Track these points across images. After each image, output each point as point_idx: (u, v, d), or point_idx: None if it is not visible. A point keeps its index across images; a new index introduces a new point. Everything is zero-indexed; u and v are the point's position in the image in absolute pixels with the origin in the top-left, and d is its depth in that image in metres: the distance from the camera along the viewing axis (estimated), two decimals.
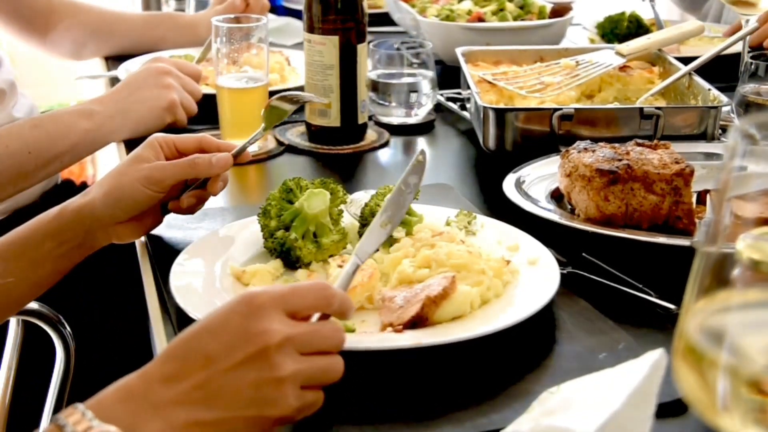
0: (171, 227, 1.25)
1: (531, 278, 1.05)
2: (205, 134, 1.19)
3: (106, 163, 3.27)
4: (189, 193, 1.16)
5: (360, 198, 1.20)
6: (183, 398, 0.74)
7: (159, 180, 1.11)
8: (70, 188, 1.91)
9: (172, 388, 0.74)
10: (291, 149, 1.60)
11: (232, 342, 0.76)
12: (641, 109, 1.46)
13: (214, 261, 1.10)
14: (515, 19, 2.10)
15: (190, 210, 1.18)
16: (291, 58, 1.99)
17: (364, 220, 1.14)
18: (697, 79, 1.57)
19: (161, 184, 1.11)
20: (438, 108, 1.76)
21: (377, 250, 0.94)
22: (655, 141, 1.26)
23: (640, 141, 1.26)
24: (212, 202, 1.36)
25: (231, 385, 0.75)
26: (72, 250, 1.11)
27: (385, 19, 2.36)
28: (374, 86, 1.69)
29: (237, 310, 0.78)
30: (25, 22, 2.06)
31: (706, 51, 1.66)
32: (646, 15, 2.19)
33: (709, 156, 1.40)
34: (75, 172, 3.11)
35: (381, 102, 1.70)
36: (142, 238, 1.23)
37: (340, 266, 1.04)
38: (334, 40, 1.54)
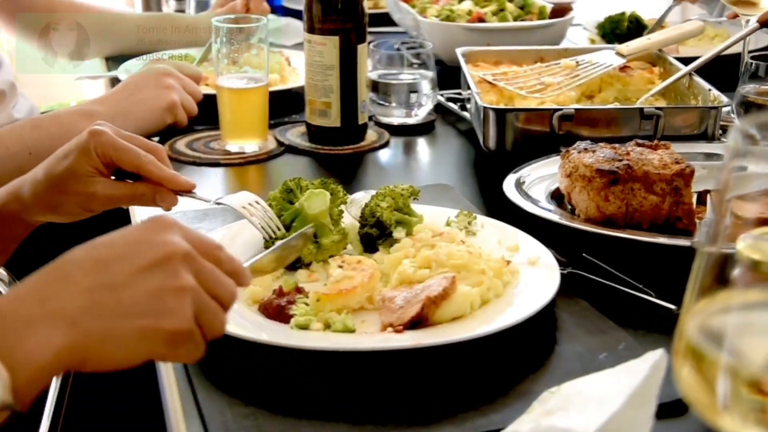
0: None
1: (531, 278, 1.05)
2: (148, 156, 1.09)
3: None
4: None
5: (360, 198, 1.20)
6: (65, 307, 0.69)
7: (105, 207, 1.09)
8: None
9: (51, 300, 0.69)
10: (291, 149, 1.60)
11: (134, 249, 0.74)
12: (641, 109, 1.46)
13: None
14: (515, 19, 2.10)
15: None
16: (291, 59, 1.99)
17: (365, 221, 1.14)
18: (698, 79, 1.57)
19: (97, 208, 1.09)
20: (438, 108, 1.76)
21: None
22: (656, 141, 1.26)
23: (640, 141, 1.26)
24: None
25: (127, 291, 0.71)
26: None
27: (385, 19, 2.36)
28: (374, 86, 1.69)
29: (140, 225, 0.77)
30: (26, 21, 2.06)
31: (705, 51, 1.65)
32: (646, 15, 2.19)
33: (709, 156, 1.40)
34: None
35: (381, 102, 1.70)
36: None
37: (341, 266, 1.04)
38: (335, 40, 1.54)
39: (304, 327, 0.96)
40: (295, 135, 1.65)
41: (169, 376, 0.94)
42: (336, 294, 0.99)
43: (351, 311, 0.99)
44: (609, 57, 1.70)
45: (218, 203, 1.14)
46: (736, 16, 1.99)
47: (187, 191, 1.11)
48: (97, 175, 1.07)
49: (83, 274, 0.72)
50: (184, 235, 0.77)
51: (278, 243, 1.00)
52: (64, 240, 1.13)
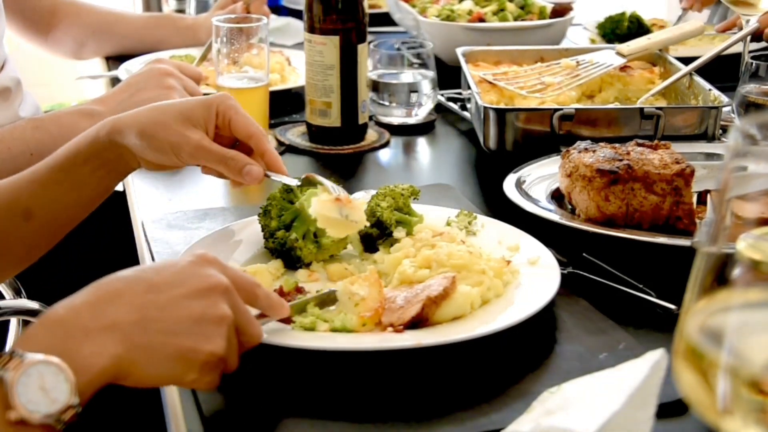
0: (172, 227, 1.25)
1: (531, 278, 1.05)
2: (263, 131, 1.14)
3: None
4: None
5: (360, 198, 1.20)
6: (118, 320, 0.75)
7: (191, 157, 1.10)
8: None
9: (105, 313, 0.75)
10: (291, 149, 1.60)
11: (180, 277, 0.80)
12: (642, 109, 1.46)
13: None
14: (516, 19, 2.10)
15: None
16: (291, 58, 1.99)
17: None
18: (698, 79, 1.57)
19: (191, 161, 1.11)
20: (438, 108, 1.76)
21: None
22: (656, 141, 1.26)
23: (640, 141, 1.26)
24: (213, 202, 1.37)
25: (173, 312, 0.77)
26: (111, 173, 1.12)
27: (385, 19, 2.36)
28: (375, 86, 1.69)
29: (186, 258, 0.83)
30: (28, 21, 2.06)
31: (706, 51, 1.65)
32: (646, 15, 2.19)
33: (709, 156, 1.40)
34: None
35: (381, 102, 1.70)
36: (143, 239, 1.23)
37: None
38: (335, 40, 1.54)
39: (311, 328, 0.95)
40: (295, 135, 1.65)
41: None
42: (375, 314, 0.97)
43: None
44: (609, 57, 1.70)
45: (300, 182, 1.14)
46: (726, 29, 2.00)
47: (279, 173, 1.14)
48: (200, 127, 1.10)
49: (134, 294, 0.78)
50: (224, 272, 0.84)
51: (309, 295, 1.00)
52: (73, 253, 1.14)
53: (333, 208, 1.07)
